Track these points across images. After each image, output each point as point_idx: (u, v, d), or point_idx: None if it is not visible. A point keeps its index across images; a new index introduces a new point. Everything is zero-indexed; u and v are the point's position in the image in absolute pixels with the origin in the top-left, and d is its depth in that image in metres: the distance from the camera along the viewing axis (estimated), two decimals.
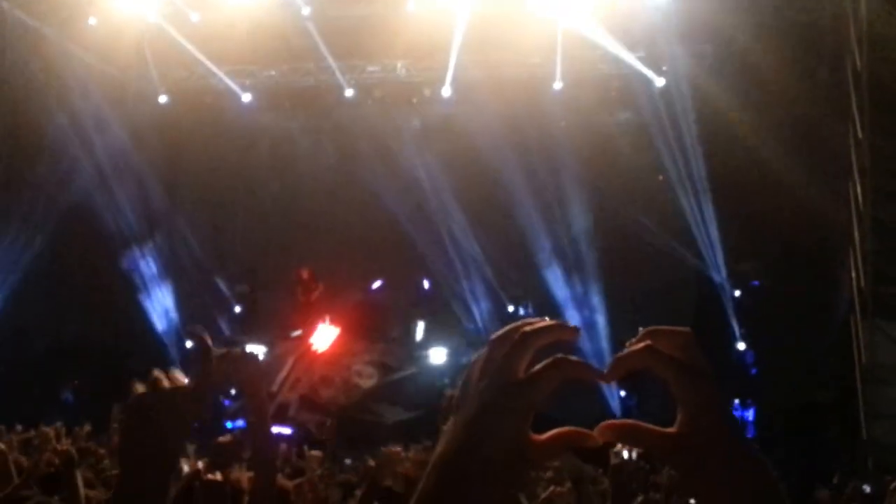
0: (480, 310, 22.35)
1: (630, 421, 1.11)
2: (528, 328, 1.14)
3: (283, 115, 23.06)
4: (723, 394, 1.10)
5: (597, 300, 21.54)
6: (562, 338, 1.14)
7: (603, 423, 1.10)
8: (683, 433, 1.09)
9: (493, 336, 1.15)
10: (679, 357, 1.11)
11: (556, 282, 21.95)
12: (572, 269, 21.94)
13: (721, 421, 1.09)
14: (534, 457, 1.10)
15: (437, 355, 21.22)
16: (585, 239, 21.90)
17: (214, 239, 23.55)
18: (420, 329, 22.19)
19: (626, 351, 1.12)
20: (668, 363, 1.10)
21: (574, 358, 1.10)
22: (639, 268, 20.75)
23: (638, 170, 21.40)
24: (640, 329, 1.15)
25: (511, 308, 22.23)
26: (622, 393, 20.42)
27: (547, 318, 1.16)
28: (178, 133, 22.56)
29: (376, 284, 22.71)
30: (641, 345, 1.11)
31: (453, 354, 21.09)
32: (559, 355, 1.10)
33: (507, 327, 1.16)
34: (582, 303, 21.74)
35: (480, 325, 21.73)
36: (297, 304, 22.04)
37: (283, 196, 23.09)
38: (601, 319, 21.11)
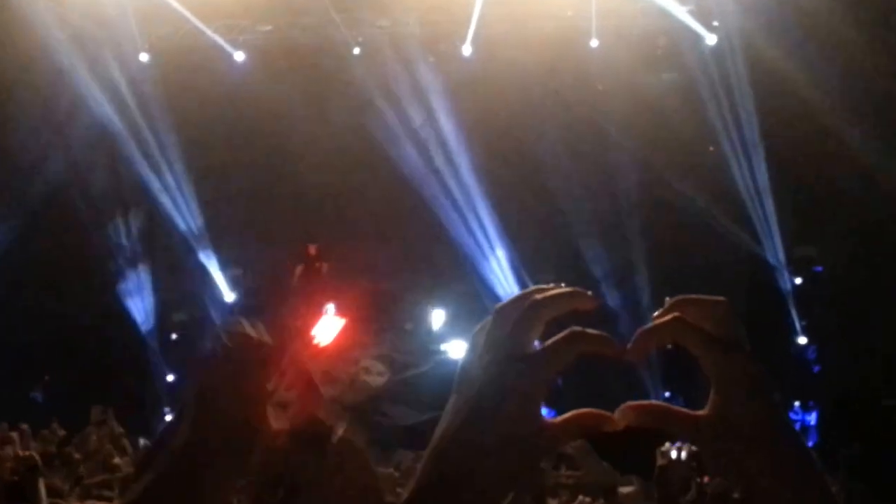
0: (509, 295, 21.90)
1: (655, 402, 1.10)
2: (538, 296, 1.15)
3: (280, 77, 22.77)
4: (765, 372, 1.09)
5: (639, 284, 21.56)
6: (578, 307, 1.15)
7: (625, 404, 1.09)
8: (716, 416, 1.08)
9: (499, 305, 1.16)
10: (712, 329, 1.10)
11: (595, 263, 22.03)
12: (612, 249, 21.99)
13: (761, 402, 1.08)
14: (546, 442, 1.10)
15: (458, 349, 20.78)
16: (626, 215, 21.92)
17: (204, 217, 23.39)
18: (438, 318, 22.13)
19: (651, 324, 1.11)
20: (698, 336, 1.09)
21: (593, 331, 1.10)
22: (686, 249, 20.76)
23: (686, 138, 21.36)
24: (668, 299, 1.14)
25: None
26: (667, 394, 20.40)
27: (563, 285, 1.16)
28: (161, 96, 22.49)
29: (388, 267, 22.34)
30: (668, 316, 1.11)
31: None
32: (575, 327, 1.10)
33: (515, 295, 1.17)
34: (623, 286, 21.75)
35: None
36: (300, 286, 21.86)
37: (282, 168, 22.89)
38: (644, 305, 20.98)
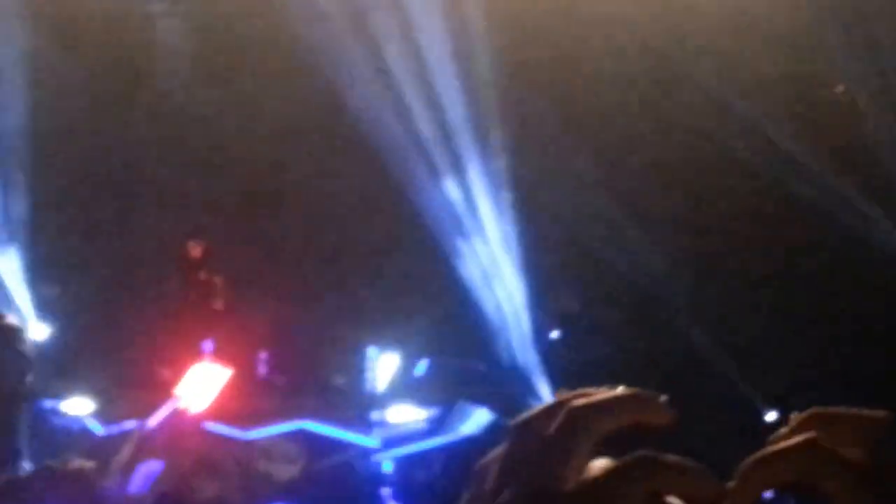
0: (504, 334, 20.34)
1: None
2: (580, 402, 1.06)
3: None
4: None
5: (729, 301, 20.13)
6: (644, 421, 1.06)
7: None
8: None
9: (519, 419, 1.09)
10: (862, 461, 1.01)
11: (653, 275, 20.29)
12: (684, 247, 20.38)
13: None
14: None
15: (413, 419, 19.40)
16: (706, 191, 20.54)
17: (2, 193, 21.57)
18: (385, 371, 20.17)
19: (769, 450, 1.02)
20: (844, 475, 0.99)
21: (674, 458, 1.01)
22: (802, 247, 19.95)
23: (800, 70, 20.40)
24: (794, 415, 1.06)
25: (555, 332, 20.48)
26: (768, 493, 17.82)
27: (620, 388, 1.06)
28: None
29: (309, 284, 21.22)
30: (800, 438, 1.02)
31: (442, 419, 19.40)
32: (642, 452, 1.01)
33: (544, 404, 1.09)
34: (705, 312, 20.14)
35: (499, 364, 19.95)
36: (171, 314, 20.23)
37: (141, 115, 20.98)
38: (738, 344, 19.39)
